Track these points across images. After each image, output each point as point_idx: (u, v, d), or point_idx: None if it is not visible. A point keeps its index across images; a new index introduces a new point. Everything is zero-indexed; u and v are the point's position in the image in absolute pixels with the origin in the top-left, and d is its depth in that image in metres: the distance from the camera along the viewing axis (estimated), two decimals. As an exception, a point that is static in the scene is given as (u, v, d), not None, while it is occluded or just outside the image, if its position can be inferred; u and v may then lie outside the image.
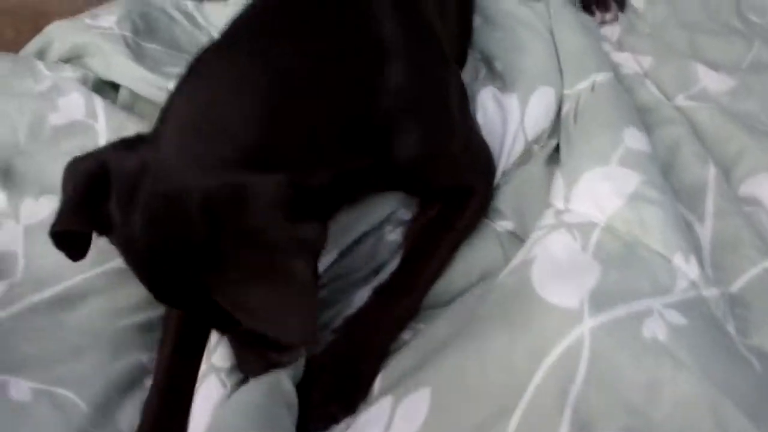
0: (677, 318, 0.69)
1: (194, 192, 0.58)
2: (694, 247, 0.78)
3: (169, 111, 0.66)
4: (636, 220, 0.78)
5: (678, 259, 0.76)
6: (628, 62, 1.10)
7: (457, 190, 0.90)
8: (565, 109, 0.98)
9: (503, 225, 0.92)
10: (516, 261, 0.78)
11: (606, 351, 0.66)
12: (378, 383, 0.75)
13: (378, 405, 0.72)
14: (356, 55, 0.74)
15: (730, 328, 0.71)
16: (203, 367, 0.76)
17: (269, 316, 0.56)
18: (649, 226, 0.78)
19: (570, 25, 1.09)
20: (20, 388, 0.74)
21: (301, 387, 0.75)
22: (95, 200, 0.64)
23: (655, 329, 0.68)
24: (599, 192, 0.80)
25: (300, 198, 0.59)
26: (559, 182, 0.87)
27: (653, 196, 0.80)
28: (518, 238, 0.90)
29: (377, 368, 0.77)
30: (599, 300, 0.70)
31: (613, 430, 0.61)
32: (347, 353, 0.77)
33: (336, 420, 0.73)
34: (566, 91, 0.99)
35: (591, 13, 1.23)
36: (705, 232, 0.83)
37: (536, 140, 0.98)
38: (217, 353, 0.75)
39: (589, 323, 0.68)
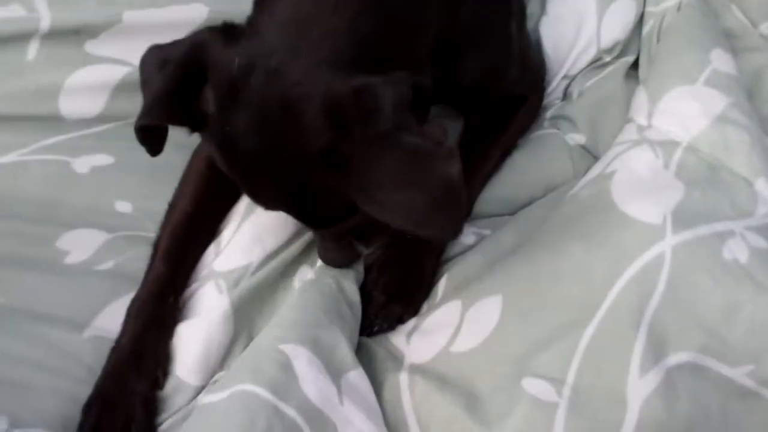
0: (759, 241, 0.68)
1: (315, 94, 0.55)
2: None
3: (265, 1, 0.62)
4: (721, 142, 0.75)
5: (760, 184, 0.73)
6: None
7: (508, 99, 0.89)
8: (648, 26, 0.95)
9: (574, 138, 0.90)
10: (592, 174, 0.76)
11: (686, 269, 0.65)
12: (443, 286, 0.75)
13: (446, 308, 0.72)
14: None
15: None
16: (204, 271, 0.75)
17: (422, 217, 0.53)
18: (734, 149, 0.75)
19: None
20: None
21: (363, 288, 0.75)
22: (188, 93, 0.60)
23: (736, 251, 0.66)
24: (684, 111, 0.77)
25: (416, 100, 0.56)
26: (641, 98, 0.84)
27: (739, 119, 0.77)
28: (589, 153, 0.88)
29: (437, 267, 0.77)
30: (682, 217, 0.68)
31: (689, 349, 0.61)
32: (407, 252, 0.76)
33: (401, 320, 0.73)
34: (650, 9, 0.96)
35: None
36: None
37: (609, 50, 0.95)
38: (219, 259, 0.75)
39: (671, 240, 0.66)
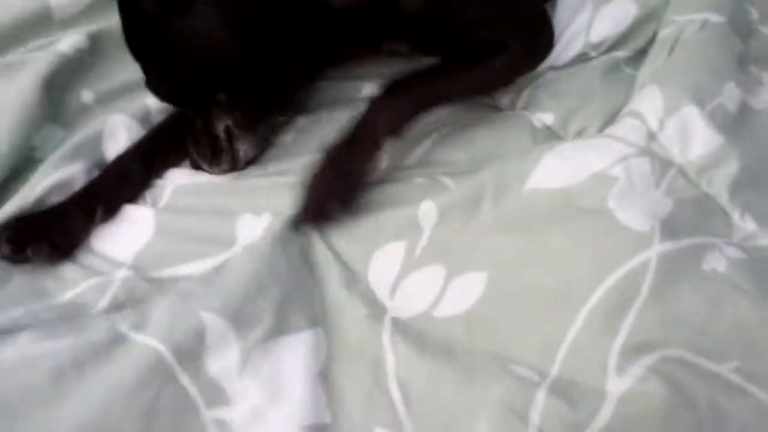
0: (736, 253, 0.72)
1: None
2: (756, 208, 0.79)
3: None
4: (707, 174, 0.80)
5: (736, 217, 0.78)
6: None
7: (483, 45, 0.90)
8: (666, 31, 0.94)
9: (542, 118, 0.91)
10: (593, 166, 0.78)
11: (670, 276, 0.69)
12: (425, 239, 0.77)
13: (430, 270, 0.75)
14: None
15: None
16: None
17: None
18: (718, 182, 0.79)
19: None
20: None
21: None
22: None
23: (714, 263, 0.70)
24: (687, 134, 0.81)
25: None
26: (655, 98, 0.84)
27: (727, 157, 0.80)
28: (555, 134, 0.90)
29: (368, 167, 0.82)
30: (668, 229, 0.72)
31: (673, 346, 0.65)
32: (340, 155, 0.82)
33: (331, 216, 0.78)
34: (673, 16, 0.96)
35: None
36: None
37: (596, 46, 0.98)
38: None
39: (657, 249, 0.70)
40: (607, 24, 0.97)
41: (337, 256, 0.77)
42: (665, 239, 0.71)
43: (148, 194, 0.89)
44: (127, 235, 0.84)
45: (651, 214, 0.73)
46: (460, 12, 0.86)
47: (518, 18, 0.93)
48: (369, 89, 0.97)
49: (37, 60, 0.95)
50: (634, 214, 0.73)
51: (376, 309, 0.73)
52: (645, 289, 0.68)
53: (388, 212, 0.80)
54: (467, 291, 0.72)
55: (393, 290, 0.75)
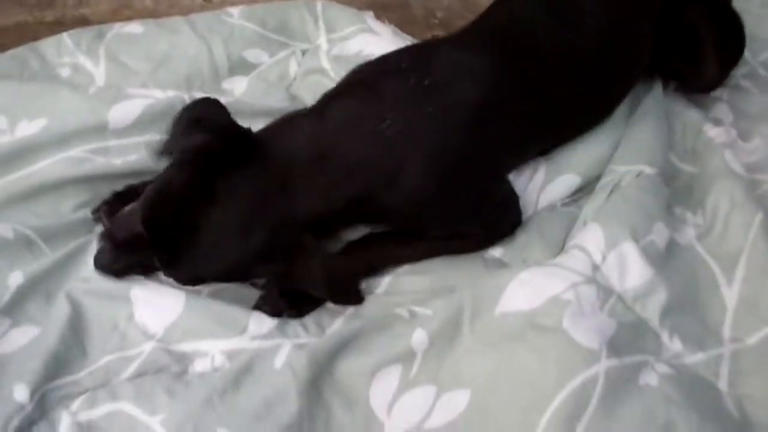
0: (666, 369, 0.89)
1: None
2: (683, 330, 0.96)
3: None
4: (641, 300, 0.97)
5: (665, 338, 0.95)
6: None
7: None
8: (606, 179, 1.12)
9: (491, 252, 1.07)
10: (548, 290, 0.92)
11: (614, 388, 0.85)
12: (418, 361, 0.91)
13: (422, 390, 0.89)
14: None
15: (722, 382, 0.91)
16: None
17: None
18: (650, 309, 0.96)
19: (653, 114, 1.22)
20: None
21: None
22: None
23: (648, 379, 0.87)
24: (624, 266, 0.98)
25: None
26: (597, 235, 1.00)
27: (656, 288, 0.97)
28: (504, 264, 1.05)
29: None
30: (613, 347, 0.89)
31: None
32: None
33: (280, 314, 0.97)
34: (613, 166, 1.13)
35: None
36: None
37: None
38: None
39: (605, 364, 0.85)
40: (555, 191, 1.14)
41: (341, 382, 0.90)
42: (611, 356, 0.87)
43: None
44: (162, 309, 0.96)
45: (599, 333, 0.89)
46: (436, 211, 1.02)
47: (487, 214, 1.07)
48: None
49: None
50: (585, 334, 0.89)
51: (375, 426, 0.87)
52: (595, 399, 0.83)
53: (384, 341, 0.93)
54: (453, 405, 0.86)
55: (390, 408, 0.88)
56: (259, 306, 0.98)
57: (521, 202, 1.10)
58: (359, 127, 0.95)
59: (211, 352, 0.92)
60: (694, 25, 1.22)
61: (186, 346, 0.93)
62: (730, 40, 1.27)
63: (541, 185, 1.15)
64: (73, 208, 1.06)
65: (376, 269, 1.04)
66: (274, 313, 0.97)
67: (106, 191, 1.07)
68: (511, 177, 1.13)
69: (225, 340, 0.93)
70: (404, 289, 1.02)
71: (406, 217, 1.00)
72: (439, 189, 0.98)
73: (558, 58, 1.07)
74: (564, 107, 1.10)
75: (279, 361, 0.89)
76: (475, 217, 1.05)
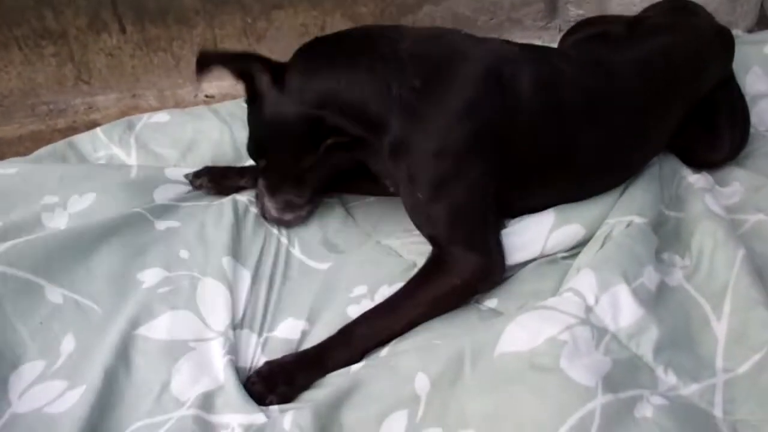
0: (661, 401, 0.94)
1: None
2: (676, 364, 1.02)
3: None
4: (635, 338, 1.03)
5: (660, 372, 1.01)
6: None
7: (436, 250, 1.15)
8: (600, 230, 1.21)
9: (487, 303, 1.15)
10: (546, 331, 0.99)
11: (610, 424, 0.90)
12: (423, 404, 0.97)
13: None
14: None
15: (717, 409, 0.96)
16: None
17: None
18: (643, 345, 1.03)
19: (648, 172, 1.32)
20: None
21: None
22: None
23: (643, 411, 0.93)
24: (618, 307, 1.05)
25: None
26: (590, 279, 1.07)
27: (648, 326, 1.04)
28: (498, 313, 1.13)
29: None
30: (609, 383, 0.94)
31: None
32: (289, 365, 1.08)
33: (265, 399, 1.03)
34: (608, 219, 1.22)
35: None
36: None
37: (546, 255, 1.23)
38: None
39: (600, 400, 0.92)
40: (559, 239, 1.22)
41: (351, 430, 0.96)
42: (606, 392, 0.93)
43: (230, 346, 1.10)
44: (200, 380, 1.04)
45: (595, 372, 0.95)
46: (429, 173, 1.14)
47: (464, 231, 1.15)
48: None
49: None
50: (581, 372, 0.95)
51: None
52: (592, 434, 0.89)
53: (387, 388, 1.00)
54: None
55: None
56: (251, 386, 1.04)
57: (528, 243, 1.20)
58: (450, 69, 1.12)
59: (232, 425, 0.99)
60: (714, 101, 1.33)
61: (213, 418, 1.00)
62: (743, 117, 1.39)
63: (550, 229, 1.22)
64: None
65: (366, 350, 1.10)
66: (262, 395, 1.03)
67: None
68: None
69: (246, 415, 0.99)
70: (404, 349, 1.08)
71: (408, 166, 1.13)
72: (438, 160, 1.11)
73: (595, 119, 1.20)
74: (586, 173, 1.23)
75: (287, 423, 0.95)
76: (454, 225, 1.14)
